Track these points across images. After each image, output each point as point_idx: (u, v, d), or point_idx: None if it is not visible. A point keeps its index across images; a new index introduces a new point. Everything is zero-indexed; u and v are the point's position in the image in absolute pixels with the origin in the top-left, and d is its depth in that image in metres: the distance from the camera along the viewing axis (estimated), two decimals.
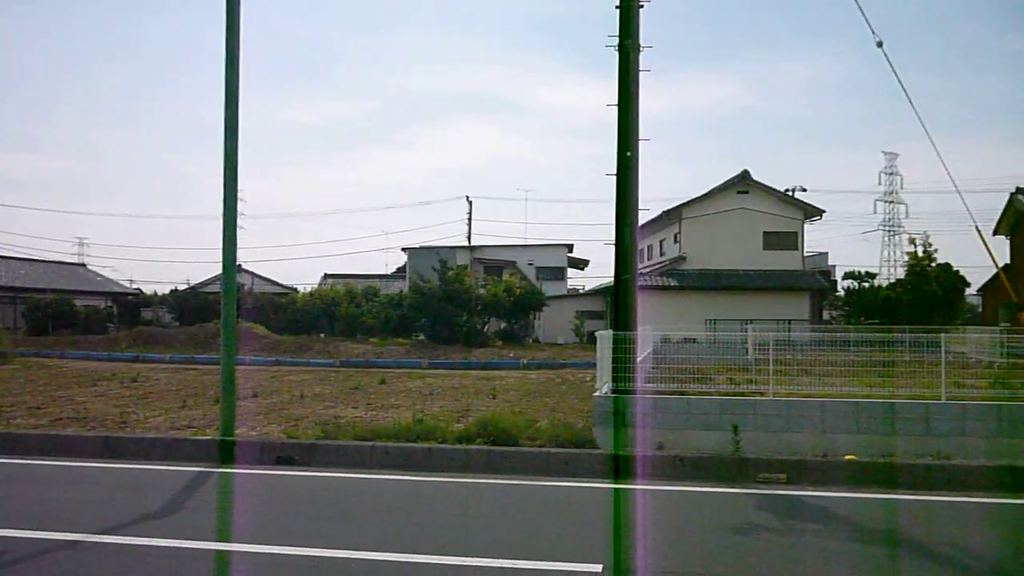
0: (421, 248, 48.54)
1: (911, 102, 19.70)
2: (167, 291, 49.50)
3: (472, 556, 6.50)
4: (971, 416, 11.31)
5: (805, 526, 7.90)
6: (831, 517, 8.14)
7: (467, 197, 60.96)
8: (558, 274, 50.88)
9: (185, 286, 50.61)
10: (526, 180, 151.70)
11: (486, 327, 38.91)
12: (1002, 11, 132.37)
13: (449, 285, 37.07)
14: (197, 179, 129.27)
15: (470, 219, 59.98)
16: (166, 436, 11.93)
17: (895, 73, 15.90)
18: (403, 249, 51.16)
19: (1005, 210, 37.85)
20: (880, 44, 14.00)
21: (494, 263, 47.72)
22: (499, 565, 6.28)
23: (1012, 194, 36.40)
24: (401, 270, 55.77)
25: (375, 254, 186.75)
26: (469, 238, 57.93)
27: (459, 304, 37.05)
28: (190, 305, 44.65)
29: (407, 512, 8.23)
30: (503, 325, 40.02)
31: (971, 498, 9.06)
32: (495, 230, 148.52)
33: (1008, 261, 38.71)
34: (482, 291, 38.69)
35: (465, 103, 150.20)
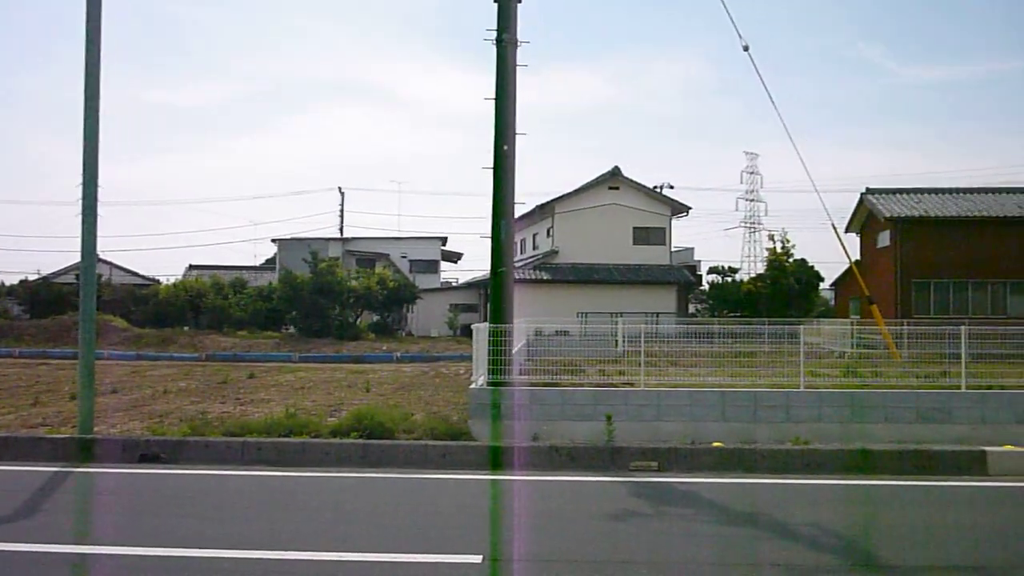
0: (292, 239, 47.47)
1: (773, 104, 20.65)
2: (15, 281, 46.58)
3: (350, 551, 6.41)
4: (826, 403, 11.95)
5: (675, 511, 8.17)
6: (699, 502, 8.45)
7: (339, 188, 59.97)
8: (432, 267, 50.72)
9: (36, 276, 47.78)
10: (401, 172, 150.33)
11: (359, 320, 38.43)
12: (852, 20, 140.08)
13: (321, 277, 36.37)
14: (55, 162, 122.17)
15: (342, 210, 59.11)
16: (19, 434, 11.25)
17: (759, 76, 16.64)
18: (273, 240, 49.93)
19: (856, 209, 40.06)
20: (746, 48, 14.61)
21: (367, 255, 47.18)
22: (378, 559, 6.23)
23: (863, 194, 38.55)
24: (271, 261, 54.38)
25: (243, 245, 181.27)
26: (341, 230, 57.10)
27: (331, 297, 36.41)
28: (42, 296, 42.09)
29: (282, 508, 8.04)
30: (376, 318, 39.63)
31: (827, 480, 9.57)
32: (368, 222, 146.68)
33: (859, 257, 41.03)
34: (354, 283, 38.18)
35: (341, 91, 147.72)
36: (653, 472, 9.86)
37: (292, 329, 37.72)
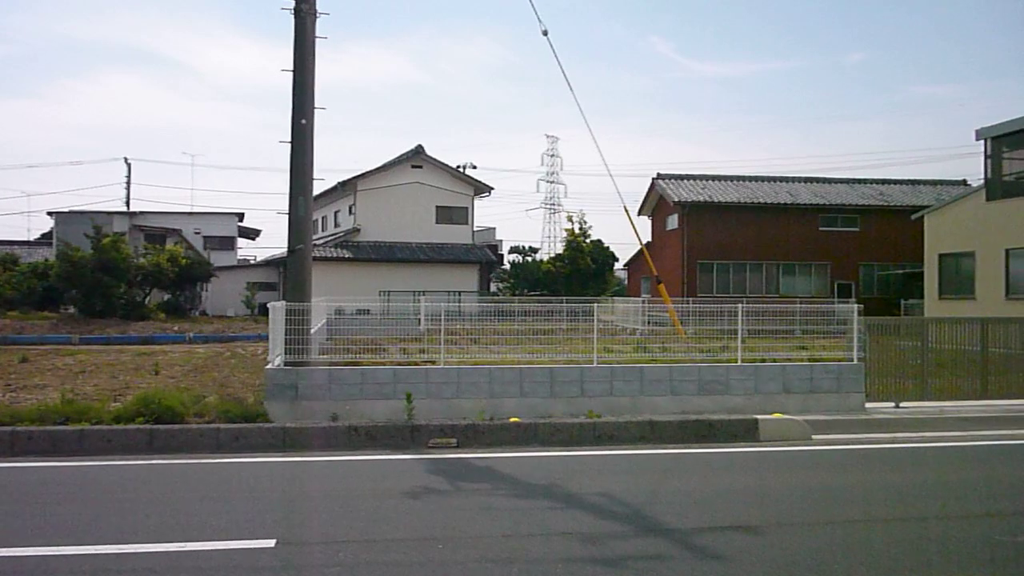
0: (71, 212, 44.12)
1: (571, 89, 21.28)
2: None
3: (135, 543, 6.06)
4: (618, 378, 12.51)
5: (472, 486, 8.29)
6: (497, 476, 8.62)
7: (126, 159, 56.39)
8: (228, 244, 48.71)
9: None
10: (194, 144, 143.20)
11: (147, 299, 36.35)
12: (646, 13, 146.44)
13: (104, 254, 33.96)
14: None
15: (129, 183, 55.62)
16: None
17: (558, 61, 17.18)
18: (49, 213, 46.20)
19: (648, 193, 42.11)
20: (545, 32, 14.91)
21: (157, 231, 44.66)
22: (166, 550, 5.92)
23: (654, 179, 40.58)
24: (47, 236, 50.32)
25: (15, 218, 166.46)
26: (128, 203, 53.68)
27: (116, 274, 34.10)
28: None
29: (57, 502, 7.47)
30: (167, 297, 37.62)
31: (618, 451, 10.03)
32: (159, 196, 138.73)
33: (650, 239, 43.15)
34: (143, 260, 36.08)
35: (127, 58, 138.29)
36: (452, 449, 9.96)
37: (72, 309, 35.12)
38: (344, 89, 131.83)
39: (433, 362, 12.82)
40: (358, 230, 41.28)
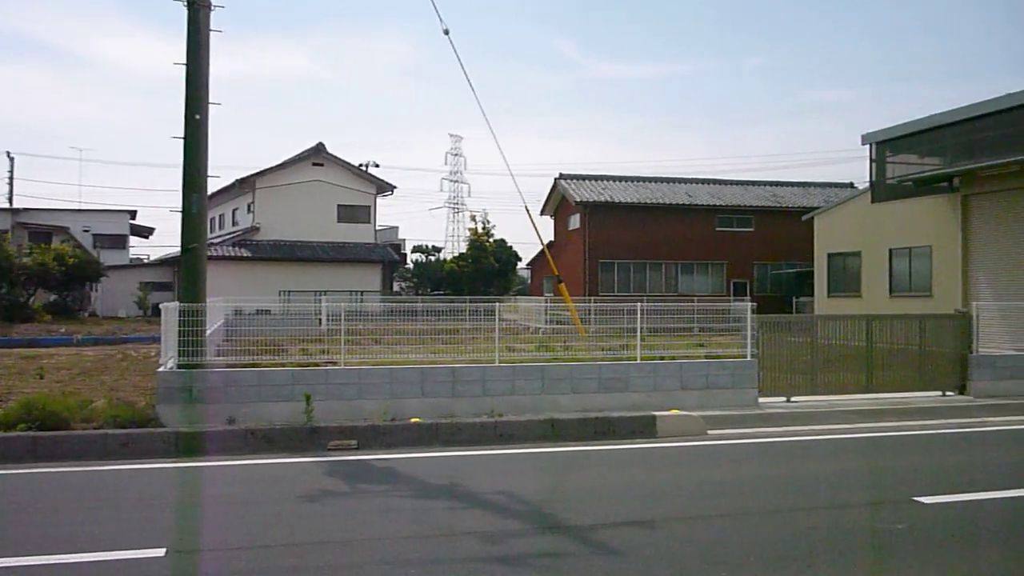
0: None
1: (472, 89, 21.31)
2: None
3: (14, 556, 5.76)
4: (520, 376, 12.58)
5: (372, 488, 8.20)
6: (397, 477, 8.54)
7: (8, 153, 53.91)
8: (119, 242, 47.02)
9: None
10: (85, 138, 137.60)
11: (32, 300, 34.78)
12: (552, 14, 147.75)
13: None
14: None
15: (12, 179, 53.21)
16: None
17: (459, 61, 17.03)
18: None
19: (550, 193, 42.50)
20: (447, 32, 14.86)
21: (42, 228, 42.75)
22: (48, 562, 5.65)
23: (556, 179, 40.97)
24: None
25: None
26: (11, 199, 51.27)
27: None
28: None
29: None
30: (53, 298, 36.07)
31: (520, 449, 10.07)
32: (45, 192, 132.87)
33: (553, 238, 43.54)
34: (27, 259, 34.48)
35: (15, 47, 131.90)
36: (352, 450, 9.83)
37: None
38: (242, 83, 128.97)
39: (334, 363, 12.64)
40: (257, 228, 40.40)
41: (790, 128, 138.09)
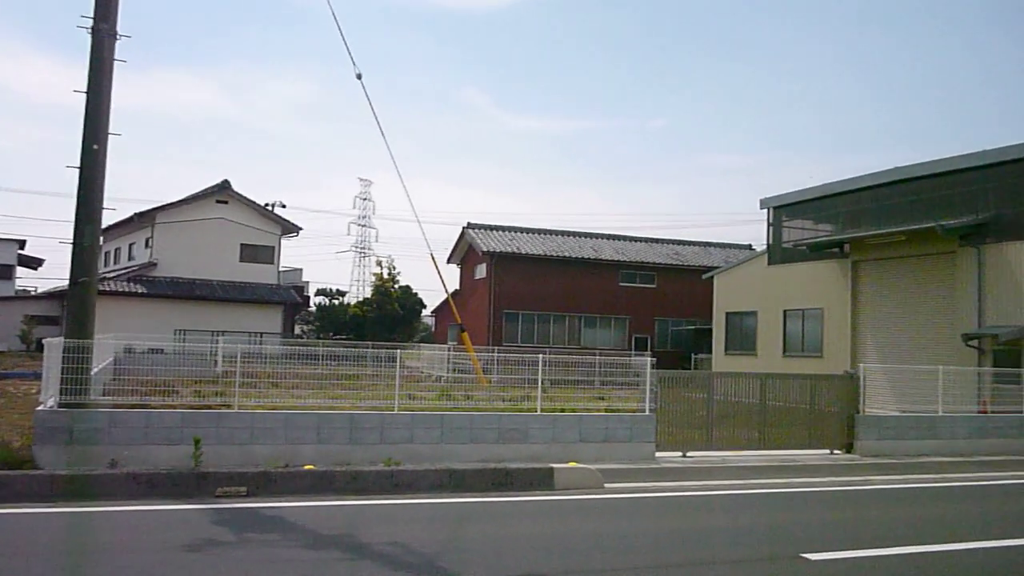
0: None
1: (383, 134, 21.34)
2: None
3: None
4: (419, 425, 12.42)
5: (261, 537, 7.91)
6: (288, 526, 8.28)
7: None
8: (5, 272, 45.02)
9: None
10: None
11: None
12: (464, 64, 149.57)
13: None
14: None
15: None
16: None
17: (371, 106, 17.01)
18: None
19: (458, 242, 42.62)
20: (359, 76, 14.86)
21: None
22: None
23: (464, 228, 41.14)
24: None
25: None
26: None
27: None
28: None
29: None
30: None
31: (415, 499, 9.90)
32: None
33: (459, 286, 43.58)
34: None
35: None
36: (241, 498, 9.49)
37: None
38: (146, 115, 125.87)
39: (229, 406, 12.26)
40: (155, 264, 39.21)
41: (692, 189, 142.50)
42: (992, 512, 10.83)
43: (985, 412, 17.67)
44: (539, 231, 41.84)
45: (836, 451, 15.34)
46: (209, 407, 12.52)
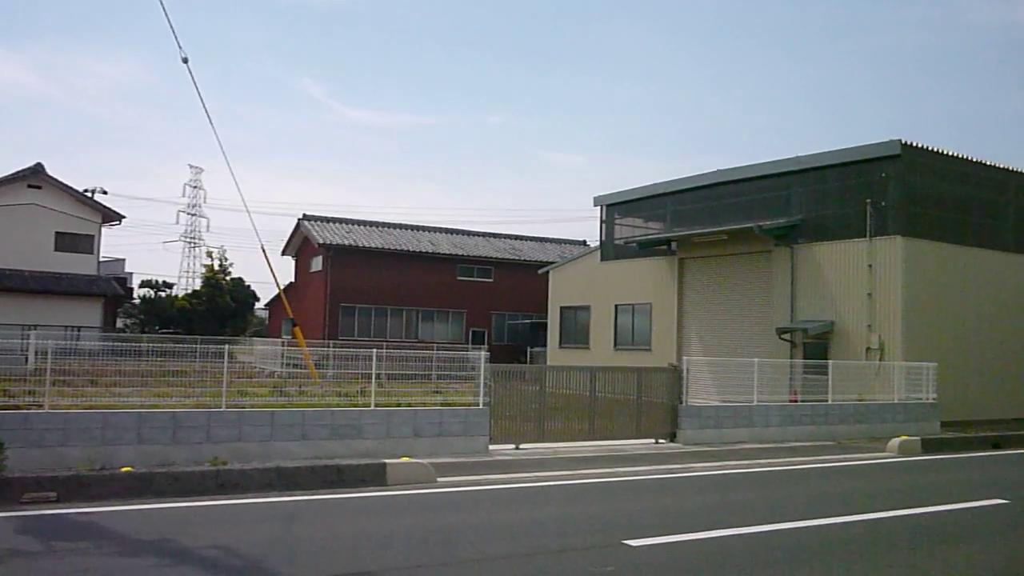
0: None
1: (210, 120, 20.49)
2: None
3: None
4: (247, 422, 12.06)
5: (69, 546, 7.46)
6: (101, 533, 7.85)
7: None
8: None
9: None
10: None
11: None
12: (299, 54, 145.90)
13: None
14: None
15: None
16: None
17: (198, 92, 16.28)
18: None
19: (293, 234, 41.63)
20: (185, 60, 14.16)
21: None
22: None
23: (300, 219, 40.20)
24: None
25: None
26: None
27: None
28: None
29: None
30: None
31: (242, 500, 9.61)
32: None
33: (294, 279, 42.57)
34: None
35: None
36: (51, 504, 8.92)
37: None
38: None
39: (40, 405, 11.48)
40: None
41: (529, 186, 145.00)
42: (797, 495, 11.61)
43: (795, 401, 18.94)
44: (377, 224, 41.44)
45: (661, 440, 16.03)
46: (17, 407, 11.68)
